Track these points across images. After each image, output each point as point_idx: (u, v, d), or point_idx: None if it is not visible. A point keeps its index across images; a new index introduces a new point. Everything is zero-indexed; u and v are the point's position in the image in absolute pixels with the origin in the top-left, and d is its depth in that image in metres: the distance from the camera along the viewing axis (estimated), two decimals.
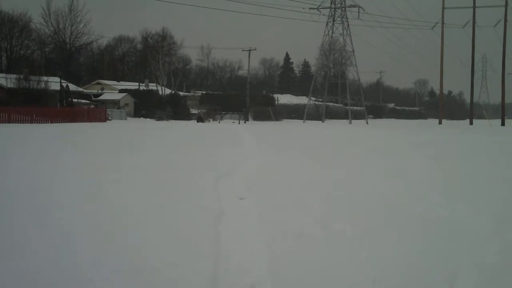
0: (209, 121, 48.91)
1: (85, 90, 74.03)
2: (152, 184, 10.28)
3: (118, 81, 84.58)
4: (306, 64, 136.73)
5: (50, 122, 44.18)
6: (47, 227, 6.57)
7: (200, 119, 51.57)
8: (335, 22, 77.83)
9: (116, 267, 5.18)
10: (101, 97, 71.77)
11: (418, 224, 7.08)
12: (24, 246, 5.74)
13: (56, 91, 58.40)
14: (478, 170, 13.55)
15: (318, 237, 6.36)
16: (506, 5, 64.66)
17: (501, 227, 6.91)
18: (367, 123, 70.59)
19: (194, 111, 74.56)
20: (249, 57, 78.56)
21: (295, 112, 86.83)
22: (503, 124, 61.18)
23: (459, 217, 7.47)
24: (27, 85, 54.01)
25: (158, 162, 14.05)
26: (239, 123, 58.32)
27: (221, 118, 67.20)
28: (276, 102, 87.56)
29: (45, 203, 8.07)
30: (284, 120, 78.91)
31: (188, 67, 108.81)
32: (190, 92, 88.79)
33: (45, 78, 57.13)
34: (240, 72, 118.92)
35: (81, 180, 10.46)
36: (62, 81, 61.60)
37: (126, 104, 70.27)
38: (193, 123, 54.01)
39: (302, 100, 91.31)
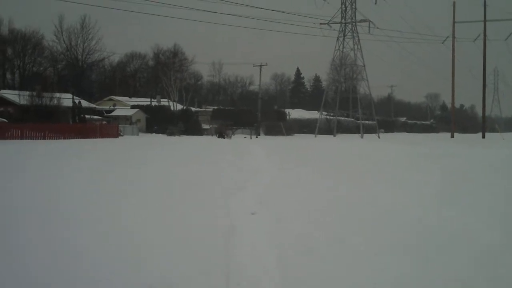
0: (230, 136, 47.97)
1: (97, 106, 74.36)
2: (169, 198, 10.33)
3: (130, 97, 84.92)
4: (317, 79, 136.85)
5: (63, 138, 44.37)
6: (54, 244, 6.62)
7: (221, 134, 50.45)
8: (345, 37, 77.91)
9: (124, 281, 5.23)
10: (113, 113, 72.00)
11: (416, 231, 7.09)
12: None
13: (68, 107, 58.69)
14: (484, 182, 13.52)
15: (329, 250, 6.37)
16: None
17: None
18: (379, 137, 70.43)
19: (205, 126, 74.66)
20: (260, 72, 78.72)
21: (306, 127, 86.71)
22: None
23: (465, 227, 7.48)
24: (40, 101, 54.30)
25: (173, 178, 14.13)
26: (251, 138, 58.36)
27: (233, 133, 67.27)
28: (288, 117, 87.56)
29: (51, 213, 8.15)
30: (295, 134, 78.81)
31: (199, 82, 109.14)
32: (201, 108, 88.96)
33: (57, 94, 57.44)
34: (252, 87, 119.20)
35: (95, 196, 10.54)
36: (75, 97, 61.92)
37: (138, 120, 70.48)
38: (206, 138, 54.12)
39: (314, 114, 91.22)
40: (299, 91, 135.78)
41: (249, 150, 29.35)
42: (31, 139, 41.83)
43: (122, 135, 55.21)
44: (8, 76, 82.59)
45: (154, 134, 65.22)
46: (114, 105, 78.03)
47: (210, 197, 10.41)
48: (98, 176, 13.86)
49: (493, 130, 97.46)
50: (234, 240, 6.77)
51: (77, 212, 8.59)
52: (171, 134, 63.27)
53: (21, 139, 41.02)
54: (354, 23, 77.37)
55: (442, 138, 64.79)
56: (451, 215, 8.70)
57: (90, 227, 7.46)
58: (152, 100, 79.92)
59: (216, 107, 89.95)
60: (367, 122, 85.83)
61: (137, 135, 60.44)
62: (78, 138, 45.28)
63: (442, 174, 15.97)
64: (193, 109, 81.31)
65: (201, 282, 5.24)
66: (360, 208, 9.36)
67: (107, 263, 5.82)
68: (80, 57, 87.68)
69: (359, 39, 77.34)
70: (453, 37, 65.79)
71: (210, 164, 18.91)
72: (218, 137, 46.76)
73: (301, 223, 7.94)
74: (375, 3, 73.99)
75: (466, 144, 39.55)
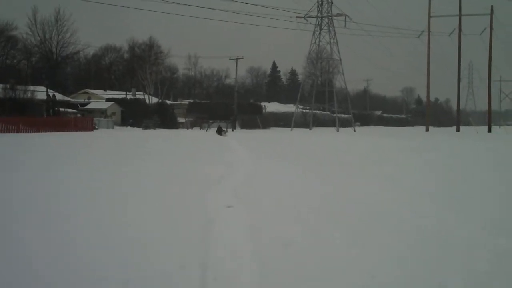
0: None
1: (71, 99, 73.72)
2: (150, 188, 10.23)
3: (105, 90, 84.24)
4: (293, 73, 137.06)
5: (37, 132, 43.94)
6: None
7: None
8: (322, 30, 78.10)
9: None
10: (88, 106, 71.47)
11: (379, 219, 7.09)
12: None
13: (42, 100, 58.12)
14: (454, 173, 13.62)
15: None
16: (491, 13, 65.15)
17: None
18: (355, 131, 70.76)
19: (181, 119, 74.46)
20: (236, 65, 78.52)
21: (282, 120, 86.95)
22: (489, 130, 61.54)
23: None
24: (13, 94, 53.72)
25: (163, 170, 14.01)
26: (227, 131, 58.27)
27: (209, 127, 67.11)
28: (264, 110, 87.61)
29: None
30: (271, 128, 78.95)
31: (175, 76, 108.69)
32: (177, 101, 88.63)
33: (31, 87, 56.86)
34: (228, 81, 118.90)
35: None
36: (49, 90, 61.31)
37: (113, 113, 70.04)
38: (183, 131, 53.96)
39: (290, 108, 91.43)
40: (275, 85, 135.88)
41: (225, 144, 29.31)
42: (4, 132, 41.35)
43: (97, 129, 54.86)
44: None
45: (129, 127, 64.86)
46: (89, 98, 77.45)
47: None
48: (92, 170, 13.70)
49: (467, 123, 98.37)
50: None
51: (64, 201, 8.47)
52: (146, 127, 62.99)
53: None
54: (330, 17, 77.60)
55: (417, 131, 65.28)
56: (427, 208, 8.72)
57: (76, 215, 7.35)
58: (128, 93, 79.42)
59: (192, 101, 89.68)
60: (343, 115, 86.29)
61: (112, 128, 60.07)
62: (53, 131, 44.85)
63: (416, 167, 16.05)
64: (168, 102, 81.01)
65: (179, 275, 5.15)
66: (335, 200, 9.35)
67: (88, 246, 5.83)
68: (54, 49, 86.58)
69: (335, 33, 77.68)
70: (429, 31, 66.25)
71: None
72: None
73: (278, 217, 7.91)
74: None
75: (440, 137, 39.88)
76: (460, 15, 65.03)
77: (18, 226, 6.97)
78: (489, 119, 65.25)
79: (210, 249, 5.94)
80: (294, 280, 5.02)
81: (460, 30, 64.96)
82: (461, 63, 65.66)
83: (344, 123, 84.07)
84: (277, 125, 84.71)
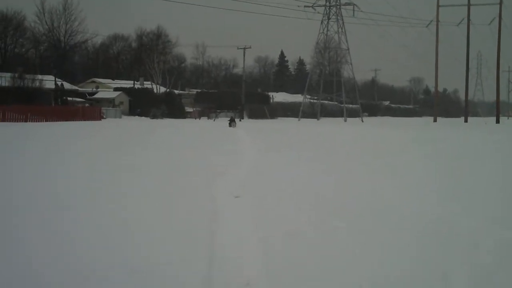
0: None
1: (79, 89, 73.84)
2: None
3: (113, 80, 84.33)
4: (301, 62, 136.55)
5: (45, 121, 44.06)
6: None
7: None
8: (330, 20, 77.76)
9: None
10: (96, 96, 71.59)
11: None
12: None
13: (50, 89, 58.25)
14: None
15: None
16: (500, 3, 64.80)
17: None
18: (362, 121, 70.64)
19: (189, 109, 74.50)
20: (244, 55, 78.39)
21: (290, 110, 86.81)
22: (497, 121, 61.38)
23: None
24: (22, 83, 53.84)
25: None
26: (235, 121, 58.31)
27: (217, 116, 67.17)
28: (271, 100, 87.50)
29: None
30: (279, 118, 78.89)
31: (183, 65, 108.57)
32: (185, 91, 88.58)
33: (39, 76, 56.96)
34: (235, 70, 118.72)
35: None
36: (57, 79, 61.42)
37: (121, 103, 70.11)
38: (191, 121, 53.94)
39: (297, 98, 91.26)
40: (283, 74, 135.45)
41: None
42: (12, 121, 41.48)
43: (105, 118, 54.97)
44: None
45: (137, 117, 64.94)
46: (97, 87, 77.55)
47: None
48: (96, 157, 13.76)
49: (475, 114, 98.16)
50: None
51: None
52: (154, 117, 63.04)
53: (2, 121, 40.64)
54: (338, 6, 77.27)
55: (425, 122, 65.12)
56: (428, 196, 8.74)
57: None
58: (135, 82, 79.43)
59: (199, 90, 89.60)
60: (350, 105, 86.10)
61: (120, 117, 60.18)
62: (61, 120, 44.96)
63: (422, 159, 16.04)
64: (176, 92, 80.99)
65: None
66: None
67: (94, 239, 5.90)
68: (62, 38, 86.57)
69: (343, 22, 77.35)
70: (437, 21, 65.98)
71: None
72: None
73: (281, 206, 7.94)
74: None
75: (448, 129, 39.79)
76: (469, 5, 64.76)
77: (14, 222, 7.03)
78: (498, 110, 65.02)
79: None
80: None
81: (468, 20, 64.74)
82: (469, 53, 65.52)
83: (352, 113, 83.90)
84: (285, 115, 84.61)
